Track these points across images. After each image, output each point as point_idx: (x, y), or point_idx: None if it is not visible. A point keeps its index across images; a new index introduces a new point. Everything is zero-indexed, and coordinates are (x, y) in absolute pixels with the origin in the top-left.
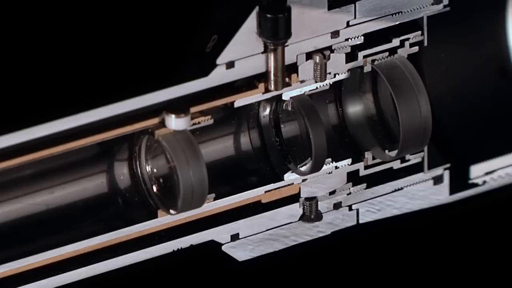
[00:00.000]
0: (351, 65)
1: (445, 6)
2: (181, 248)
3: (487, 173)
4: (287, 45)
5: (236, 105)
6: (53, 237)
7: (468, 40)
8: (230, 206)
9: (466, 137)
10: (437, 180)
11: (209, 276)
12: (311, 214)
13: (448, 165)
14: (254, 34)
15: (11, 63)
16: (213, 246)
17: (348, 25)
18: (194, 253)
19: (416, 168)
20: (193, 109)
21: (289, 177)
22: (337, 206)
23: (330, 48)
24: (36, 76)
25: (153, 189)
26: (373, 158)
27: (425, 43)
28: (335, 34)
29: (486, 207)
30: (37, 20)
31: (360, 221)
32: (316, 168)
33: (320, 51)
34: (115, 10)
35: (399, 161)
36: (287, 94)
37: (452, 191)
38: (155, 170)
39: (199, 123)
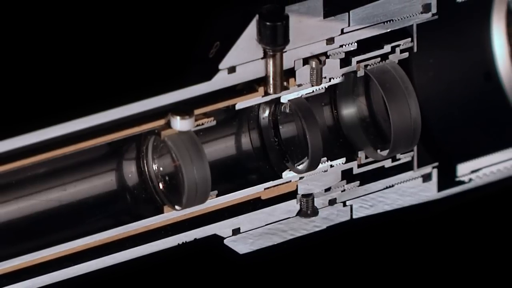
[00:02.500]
0: (345, 70)
1: (433, 15)
2: (185, 241)
3: (473, 171)
4: (285, 51)
5: (237, 107)
6: (65, 231)
7: (455, 46)
8: (232, 202)
9: (453, 137)
10: (426, 178)
11: (212, 268)
12: (308, 209)
13: (436, 164)
14: (254, 40)
15: (26, 69)
16: (216, 239)
17: (342, 32)
18: (198, 246)
19: (406, 167)
20: (197, 111)
21: (287, 175)
22: (332, 202)
23: (325, 54)
24: (50, 82)
25: (159, 186)
26: (366, 157)
27: (415, 49)
28: (330, 40)
29: (472, 204)
30: (48, 26)
31: (354, 217)
32: (312, 166)
33: (316, 56)
34: (126, 21)
35: (390, 160)
36: (285, 97)
37: (440, 188)
38: (161, 169)
39: (202, 124)
